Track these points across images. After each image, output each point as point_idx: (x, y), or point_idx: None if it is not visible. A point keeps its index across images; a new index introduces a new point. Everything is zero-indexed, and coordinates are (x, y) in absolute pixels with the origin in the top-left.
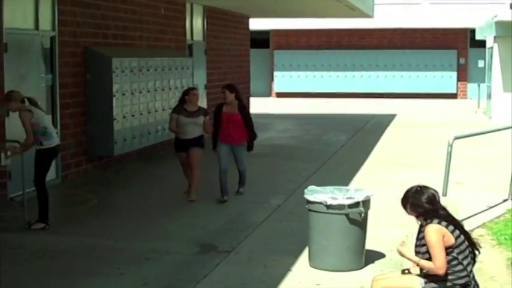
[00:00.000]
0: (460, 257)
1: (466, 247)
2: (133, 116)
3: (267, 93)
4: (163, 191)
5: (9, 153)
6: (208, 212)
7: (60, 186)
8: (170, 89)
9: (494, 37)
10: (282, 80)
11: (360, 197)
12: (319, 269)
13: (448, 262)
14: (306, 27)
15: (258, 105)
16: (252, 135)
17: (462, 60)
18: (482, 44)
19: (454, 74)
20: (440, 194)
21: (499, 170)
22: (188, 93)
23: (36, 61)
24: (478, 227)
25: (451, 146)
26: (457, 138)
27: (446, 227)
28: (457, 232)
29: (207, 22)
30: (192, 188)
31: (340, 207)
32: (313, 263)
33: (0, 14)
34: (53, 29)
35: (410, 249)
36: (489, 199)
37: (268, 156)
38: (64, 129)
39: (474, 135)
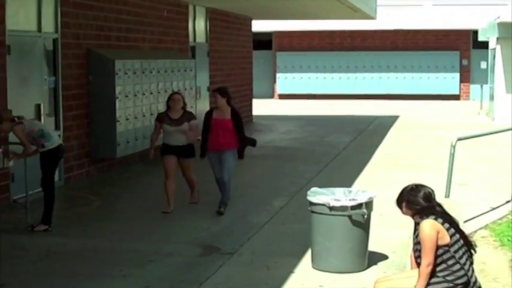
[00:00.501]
0: (457, 255)
1: (461, 246)
2: (136, 118)
3: (270, 94)
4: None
5: (11, 155)
6: (211, 214)
7: (63, 188)
8: (173, 91)
9: (497, 38)
10: (285, 82)
11: (362, 199)
12: (322, 270)
13: (445, 261)
14: (309, 29)
15: (260, 107)
16: (243, 143)
17: (465, 62)
18: (484, 45)
19: (457, 76)
20: (443, 195)
21: (501, 171)
22: (169, 99)
23: (39, 63)
24: (481, 228)
25: (454, 147)
26: (460, 139)
27: (442, 224)
28: (452, 230)
29: (209, 24)
30: (193, 192)
31: (343, 208)
32: (316, 264)
33: (2, 16)
34: (56, 31)
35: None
36: (492, 200)
37: (270, 158)
38: (67, 131)
39: (477, 136)
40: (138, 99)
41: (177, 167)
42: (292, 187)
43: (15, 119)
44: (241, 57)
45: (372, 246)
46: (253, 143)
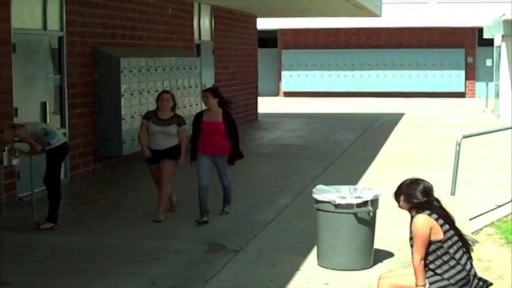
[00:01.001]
0: (451, 250)
1: (455, 241)
2: (141, 115)
3: (275, 92)
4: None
5: (17, 153)
6: (216, 212)
7: (69, 186)
8: (178, 88)
9: (502, 36)
10: (290, 80)
11: (368, 196)
12: (328, 268)
13: (440, 257)
14: (314, 27)
15: (265, 105)
16: (235, 148)
17: (470, 59)
18: (490, 42)
19: (462, 73)
20: (448, 193)
21: (507, 169)
22: (158, 98)
23: (44, 61)
24: (486, 225)
25: (460, 144)
26: (465, 137)
27: (436, 220)
28: (446, 227)
29: (214, 22)
30: (160, 206)
31: (349, 206)
32: (321, 262)
33: (8, 14)
34: (61, 29)
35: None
36: (498, 198)
37: (276, 155)
38: (72, 129)
39: (482, 134)
40: (143, 97)
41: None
42: (297, 185)
43: (16, 125)
44: (247, 55)
45: (378, 244)
46: (241, 155)
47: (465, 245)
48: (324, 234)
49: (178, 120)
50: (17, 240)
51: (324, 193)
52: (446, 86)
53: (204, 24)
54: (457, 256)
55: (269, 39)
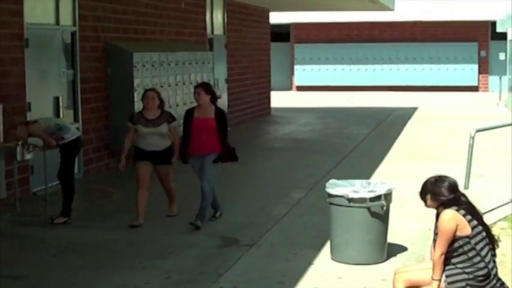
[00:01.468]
0: (477, 247)
1: (482, 238)
2: None
3: (288, 86)
4: (183, 184)
5: (31, 147)
6: (230, 206)
7: (82, 180)
8: (191, 83)
9: None
10: (303, 74)
11: (381, 190)
12: (341, 262)
13: (466, 253)
14: (327, 21)
15: (278, 99)
16: (224, 148)
17: (483, 53)
18: (503, 36)
19: (475, 67)
20: (462, 186)
21: None
22: (143, 98)
23: (57, 56)
24: (500, 219)
25: (473, 138)
26: (478, 130)
27: (464, 215)
28: (475, 222)
29: (227, 16)
30: (171, 203)
31: (362, 200)
32: (335, 256)
33: (21, 9)
34: (74, 24)
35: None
36: (511, 192)
37: (289, 150)
38: (86, 124)
39: (496, 127)
40: None
41: (153, 175)
42: (310, 179)
43: (29, 121)
44: (259, 50)
45: (391, 238)
46: (234, 158)
47: (491, 241)
48: (337, 229)
49: (168, 118)
50: (31, 235)
51: (337, 187)
52: (459, 80)
53: (216, 19)
54: (483, 253)
55: (282, 33)
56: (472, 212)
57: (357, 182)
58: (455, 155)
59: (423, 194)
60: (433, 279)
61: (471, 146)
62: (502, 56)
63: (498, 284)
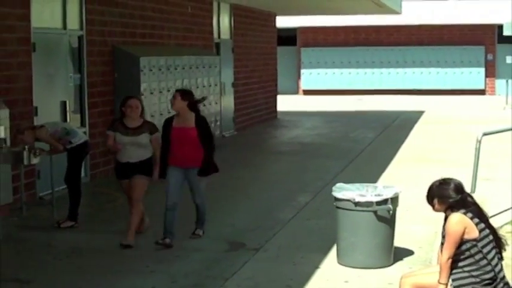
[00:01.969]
0: (484, 250)
1: (489, 241)
2: (161, 114)
3: (294, 90)
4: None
5: (38, 152)
6: (236, 210)
7: (89, 184)
8: (198, 87)
9: None
10: (309, 78)
11: (388, 194)
12: (348, 266)
13: (473, 256)
14: (333, 24)
15: (285, 103)
16: (207, 158)
17: (490, 56)
18: (510, 39)
19: (482, 70)
20: (468, 190)
21: None
22: (124, 104)
23: (64, 60)
24: (506, 223)
25: (480, 142)
26: (485, 134)
27: (472, 218)
28: (482, 225)
29: (234, 20)
30: (130, 229)
31: (369, 204)
32: (341, 260)
33: (28, 14)
34: (81, 28)
35: None
36: None
37: (295, 153)
38: (92, 128)
39: (503, 131)
40: (163, 96)
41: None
42: (317, 183)
43: (35, 126)
44: (266, 53)
45: (398, 242)
46: (216, 170)
47: (498, 244)
48: (343, 232)
49: (150, 128)
50: (38, 239)
51: (344, 191)
52: (466, 84)
53: (223, 23)
54: (490, 256)
55: (288, 37)
56: (479, 214)
57: (364, 186)
58: (462, 158)
59: (430, 198)
60: (439, 283)
61: (478, 150)
62: (509, 60)
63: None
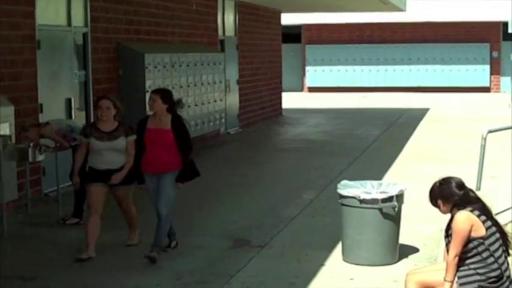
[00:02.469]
0: (491, 248)
1: (496, 239)
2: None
3: (299, 88)
4: (195, 185)
5: (43, 148)
6: (240, 207)
7: None
8: (202, 84)
9: None
10: (314, 75)
11: (393, 192)
12: (353, 263)
13: (480, 253)
14: (338, 22)
15: (290, 100)
16: (186, 161)
17: (495, 54)
18: None
19: (487, 68)
20: (474, 188)
21: None
22: (96, 107)
23: (69, 57)
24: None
25: (485, 139)
26: (490, 131)
27: (478, 216)
28: (489, 223)
29: (238, 17)
30: (132, 229)
31: (374, 201)
32: (346, 257)
33: (32, 11)
34: (86, 25)
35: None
36: None
37: (300, 150)
38: None
39: (508, 128)
40: None
41: (106, 198)
42: (322, 180)
43: (40, 123)
44: (271, 51)
45: (403, 239)
46: (197, 174)
47: (505, 242)
48: (348, 230)
49: (126, 130)
50: (43, 236)
51: (349, 188)
52: (471, 81)
53: (228, 20)
54: (497, 254)
55: (293, 34)
56: (486, 212)
57: (369, 183)
58: (467, 156)
59: (434, 200)
60: (445, 280)
61: (483, 147)
62: None
63: (511, 286)
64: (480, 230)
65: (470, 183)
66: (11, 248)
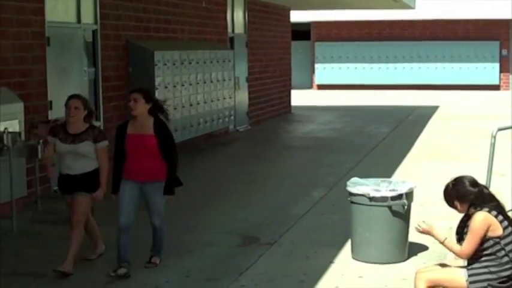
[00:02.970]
0: (507, 248)
1: None
2: (175, 109)
3: (308, 85)
4: (204, 183)
5: None
6: (250, 204)
7: None
8: (212, 81)
9: None
10: (323, 72)
11: (403, 189)
12: (362, 261)
13: (495, 253)
14: (347, 19)
15: (299, 98)
16: (171, 171)
17: (505, 52)
18: None
19: (497, 65)
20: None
21: None
22: (66, 105)
23: (78, 55)
24: None
25: (495, 137)
26: (500, 129)
27: (496, 216)
28: (506, 223)
29: (248, 15)
30: (69, 254)
31: (383, 199)
32: (355, 255)
33: (42, 8)
34: (95, 23)
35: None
36: None
37: (309, 148)
38: (107, 123)
39: None
40: (177, 90)
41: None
42: (331, 177)
43: (49, 120)
44: (280, 48)
45: (412, 237)
46: (179, 184)
47: None
48: (358, 227)
49: (95, 135)
50: (52, 233)
51: (358, 186)
52: (480, 79)
53: (237, 17)
54: (511, 255)
55: (302, 31)
56: (503, 213)
57: (378, 181)
58: (477, 154)
59: (450, 201)
60: (441, 242)
61: (493, 145)
62: None
63: None
64: (497, 230)
65: (480, 181)
66: (21, 245)
